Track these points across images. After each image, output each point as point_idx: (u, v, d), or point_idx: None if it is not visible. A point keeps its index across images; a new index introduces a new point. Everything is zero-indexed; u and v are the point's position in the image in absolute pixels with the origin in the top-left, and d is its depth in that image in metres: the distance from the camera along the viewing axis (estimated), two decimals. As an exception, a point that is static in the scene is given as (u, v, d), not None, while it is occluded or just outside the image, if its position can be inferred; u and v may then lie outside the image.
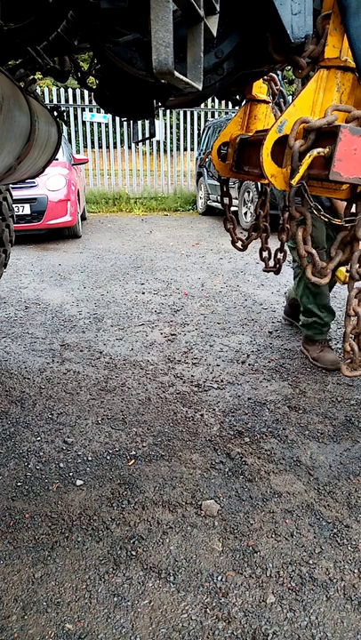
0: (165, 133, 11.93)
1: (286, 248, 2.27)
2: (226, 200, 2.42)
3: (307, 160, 1.31)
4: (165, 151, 12.33)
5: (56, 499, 1.83)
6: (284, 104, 2.19)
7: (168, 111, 11.17)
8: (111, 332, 3.58)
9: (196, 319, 3.85)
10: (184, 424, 2.35)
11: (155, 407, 2.50)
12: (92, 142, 11.81)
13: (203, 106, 11.70)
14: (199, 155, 10.88)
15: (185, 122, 12.10)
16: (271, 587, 1.48)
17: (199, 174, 10.63)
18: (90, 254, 6.45)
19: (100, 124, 11.80)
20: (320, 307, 2.99)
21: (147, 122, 3.16)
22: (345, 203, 1.51)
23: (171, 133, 12.15)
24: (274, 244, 2.27)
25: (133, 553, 1.59)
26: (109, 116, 11.08)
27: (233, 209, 7.43)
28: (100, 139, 11.94)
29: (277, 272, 2.32)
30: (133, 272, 5.44)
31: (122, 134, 11.88)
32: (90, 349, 3.24)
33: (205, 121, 11.83)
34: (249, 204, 7.88)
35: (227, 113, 11.68)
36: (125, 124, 11.32)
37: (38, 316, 3.93)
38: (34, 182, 6.75)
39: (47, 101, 10.85)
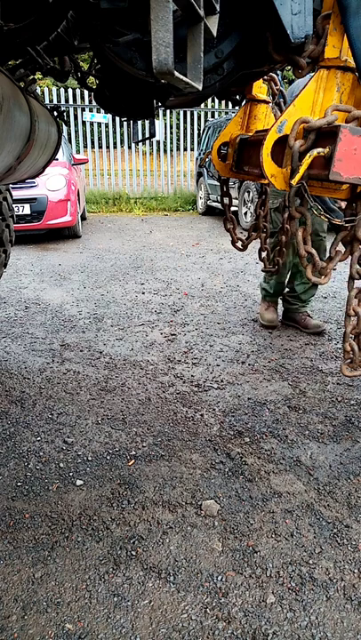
0: (165, 133, 11.92)
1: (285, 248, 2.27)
2: (226, 200, 2.42)
3: (307, 160, 1.31)
4: (165, 151, 12.33)
5: (56, 499, 1.83)
6: (284, 104, 2.19)
7: (168, 111, 11.17)
8: (111, 332, 3.58)
9: (196, 319, 3.85)
10: (184, 424, 2.35)
11: (155, 407, 2.50)
12: (92, 142, 11.81)
13: (203, 106, 11.70)
14: (199, 155, 10.88)
15: (185, 122, 12.10)
16: (271, 587, 1.48)
17: (199, 174, 10.63)
18: (90, 254, 6.45)
19: (100, 124, 11.80)
20: (276, 282, 3.62)
21: (147, 122, 3.16)
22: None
23: (171, 133, 12.15)
24: (274, 244, 2.27)
25: (133, 553, 1.59)
26: (109, 116, 11.08)
27: (233, 209, 7.44)
28: (100, 139, 11.94)
29: (276, 272, 2.32)
30: (133, 272, 5.44)
31: (122, 134, 11.88)
32: (90, 349, 3.24)
33: (205, 121, 11.83)
34: (249, 204, 7.88)
35: (227, 113, 11.68)
36: (125, 123, 11.31)
37: (38, 315, 3.93)
38: (34, 182, 6.75)
39: (47, 101, 10.86)
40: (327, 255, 1.74)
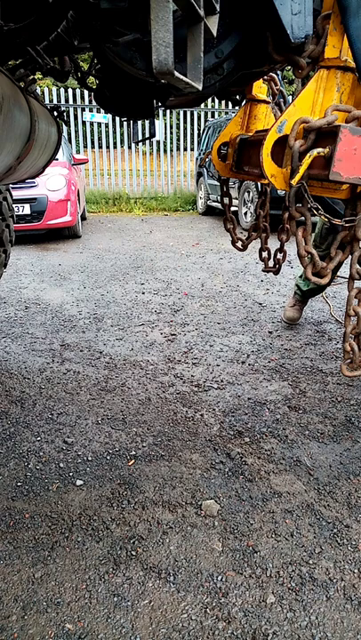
0: (165, 133, 11.93)
1: (286, 248, 2.26)
2: (226, 200, 2.42)
3: (307, 160, 1.31)
4: (165, 151, 12.33)
5: (56, 499, 1.83)
6: (284, 104, 2.19)
7: (168, 111, 11.17)
8: (111, 331, 3.58)
9: (196, 319, 3.85)
10: (184, 424, 2.35)
11: (155, 407, 2.50)
12: (92, 142, 11.81)
13: (203, 106, 11.71)
14: (199, 155, 10.88)
15: (185, 122, 12.10)
16: (271, 587, 1.48)
17: (199, 174, 10.63)
18: (90, 254, 6.45)
19: (100, 124, 11.81)
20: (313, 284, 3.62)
21: (147, 122, 3.16)
22: None
23: (171, 133, 12.15)
24: (274, 243, 2.27)
25: (133, 553, 1.59)
26: (109, 116, 11.08)
27: (233, 209, 7.43)
28: (100, 139, 11.94)
29: (277, 272, 2.32)
30: (133, 272, 5.44)
31: (122, 134, 11.88)
32: (90, 349, 3.24)
33: (205, 121, 11.83)
34: (249, 204, 7.88)
35: (227, 113, 11.68)
36: (125, 123, 11.32)
37: (38, 315, 3.93)
38: (34, 182, 6.75)
39: (47, 101, 10.86)
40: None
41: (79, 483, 1.92)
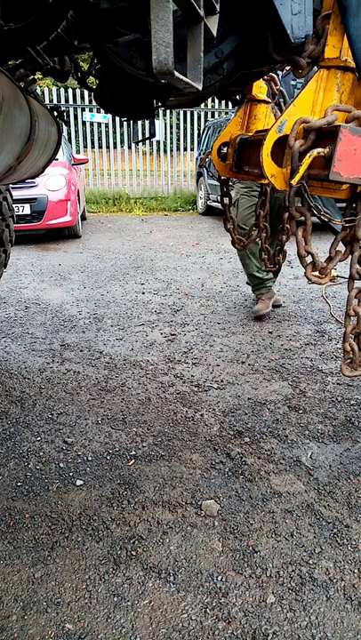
0: (165, 133, 11.92)
1: (285, 248, 2.26)
2: (226, 200, 2.42)
3: (307, 160, 1.31)
4: (165, 151, 12.33)
5: (56, 499, 1.83)
6: (284, 104, 2.19)
7: (168, 111, 11.17)
8: (111, 332, 3.58)
9: (196, 319, 3.85)
10: (184, 424, 2.35)
11: (155, 407, 2.50)
12: (92, 142, 11.81)
13: (203, 106, 11.71)
14: (199, 155, 10.88)
15: (185, 122, 12.10)
16: (271, 587, 1.48)
17: (199, 174, 10.62)
18: (90, 254, 6.45)
19: (100, 124, 11.80)
20: (247, 274, 3.88)
21: (147, 122, 3.16)
22: None
23: (171, 133, 12.15)
24: (274, 243, 2.26)
25: (133, 553, 1.59)
26: (109, 116, 11.08)
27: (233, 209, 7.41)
28: (100, 139, 11.93)
29: (277, 272, 2.32)
30: (133, 272, 5.44)
31: (122, 134, 11.88)
32: (90, 349, 3.24)
33: (205, 121, 11.83)
34: (249, 204, 7.86)
35: (227, 113, 11.68)
36: (125, 123, 11.32)
37: (38, 315, 3.93)
38: (34, 182, 6.75)
39: (47, 101, 10.86)
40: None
41: (79, 483, 1.92)
